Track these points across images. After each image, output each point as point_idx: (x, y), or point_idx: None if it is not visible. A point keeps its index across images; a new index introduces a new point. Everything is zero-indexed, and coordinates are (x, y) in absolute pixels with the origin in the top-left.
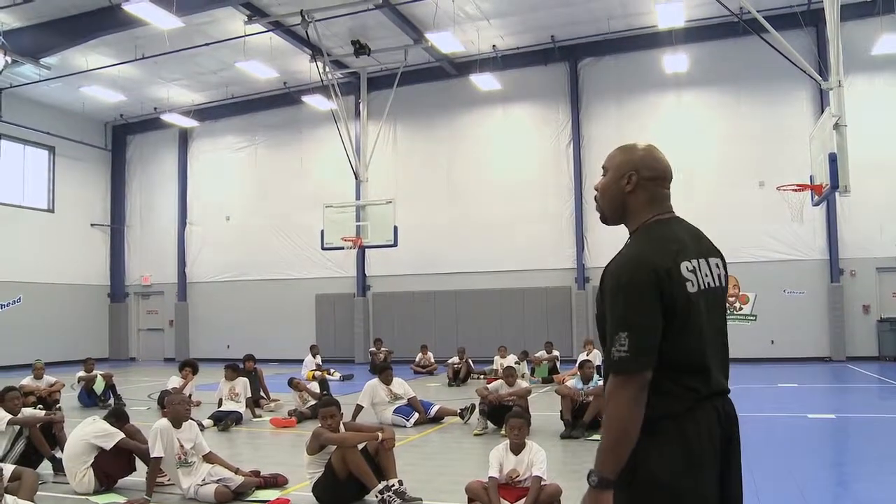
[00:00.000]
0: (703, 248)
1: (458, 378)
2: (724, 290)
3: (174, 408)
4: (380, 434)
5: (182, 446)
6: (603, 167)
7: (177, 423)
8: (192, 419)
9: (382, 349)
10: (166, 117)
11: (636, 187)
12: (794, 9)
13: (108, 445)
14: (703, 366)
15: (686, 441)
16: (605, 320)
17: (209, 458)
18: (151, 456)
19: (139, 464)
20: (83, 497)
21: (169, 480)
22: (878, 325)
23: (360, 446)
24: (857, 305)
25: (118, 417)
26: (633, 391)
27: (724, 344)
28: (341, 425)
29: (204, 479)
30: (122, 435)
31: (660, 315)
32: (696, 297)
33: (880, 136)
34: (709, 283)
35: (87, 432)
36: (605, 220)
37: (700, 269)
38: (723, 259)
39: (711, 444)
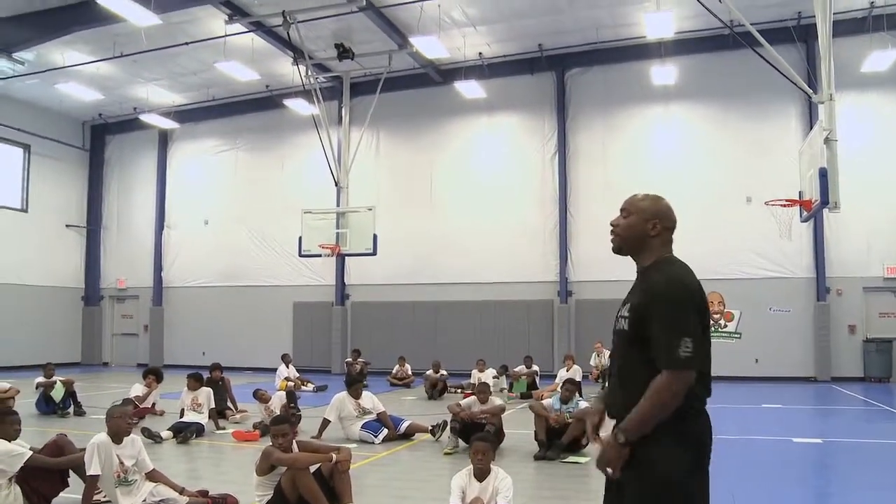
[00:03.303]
0: None
1: (435, 390)
2: None
3: (114, 421)
4: (334, 455)
5: (122, 463)
6: (623, 209)
7: (117, 438)
8: (152, 430)
9: (359, 360)
10: (146, 118)
11: (659, 233)
12: (787, 23)
13: (15, 468)
14: (709, 375)
15: (699, 443)
16: (637, 330)
17: (152, 476)
18: (88, 473)
19: (76, 479)
20: None
21: (106, 498)
22: (863, 346)
23: (314, 468)
24: (843, 325)
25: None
26: (684, 385)
27: None
28: (294, 444)
29: (145, 500)
30: (29, 454)
31: (700, 328)
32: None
33: (868, 154)
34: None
35: None
36: (619, 250)
37: None
38: None
39: (710, 443)
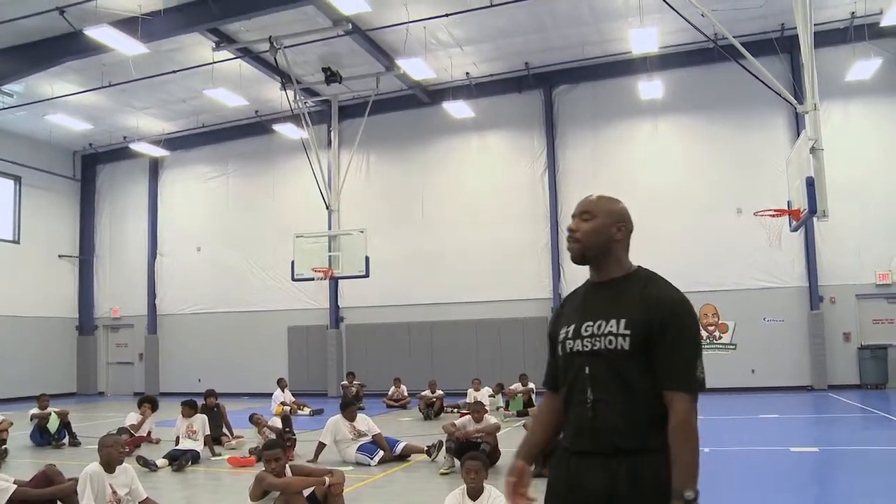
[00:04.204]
0: None
1: (431, 408)
2: None
3: (106, 450)
4: (327, 478)
5: (115, 492)
6: (585, 211)
7: (109, 468)
8: (147, 459)
9: (355, 382)
10: (136, 146)
11: (623, 237)
12: (770, 35)
13: (2, 501)
14: None
15: None
16: (640, 348)
17: None
18: None
19: None
20: None
21: None
22: (858, 353)
23: (307, 492)
24: (838, 333)
25: None
26: (696, 407)
27: None
28: (287, 468)
29: None
30: (13, 487)
31: None
32: None
33: (856, 162)
34: None
35: None
36: (581, 259)
37: None
38: None
39: None
